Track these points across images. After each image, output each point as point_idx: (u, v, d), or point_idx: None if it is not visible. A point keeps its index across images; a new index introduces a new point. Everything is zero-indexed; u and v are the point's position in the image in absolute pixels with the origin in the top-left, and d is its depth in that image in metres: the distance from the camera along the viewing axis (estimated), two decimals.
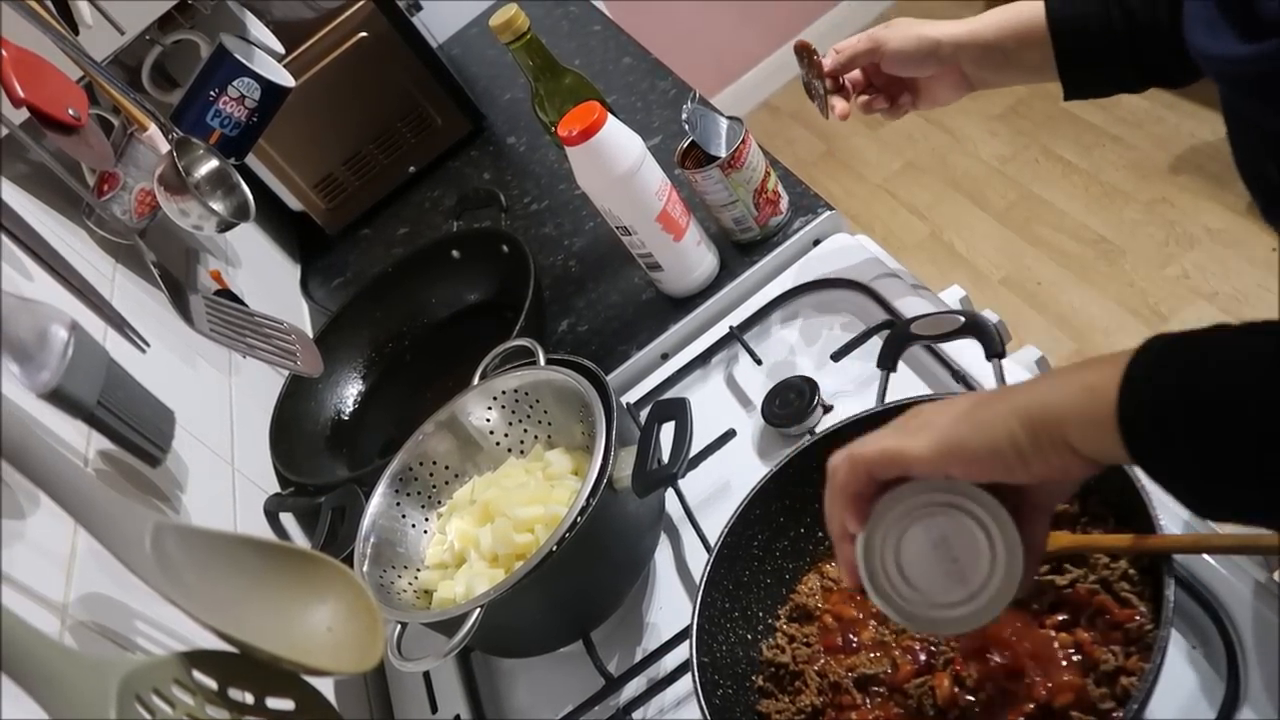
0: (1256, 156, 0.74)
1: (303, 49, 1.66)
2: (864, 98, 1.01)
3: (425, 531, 1.05)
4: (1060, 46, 0.88)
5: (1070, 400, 0.55)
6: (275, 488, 1.22)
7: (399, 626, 0.89)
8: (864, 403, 0.96)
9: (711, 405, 1.13)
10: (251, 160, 1.70)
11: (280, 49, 1.46)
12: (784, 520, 0.86)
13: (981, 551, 0.62)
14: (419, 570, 1.01)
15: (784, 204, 1.22)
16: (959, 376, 0.95)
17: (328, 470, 1.30)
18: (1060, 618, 0.70)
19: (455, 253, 1.45)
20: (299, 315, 1.73)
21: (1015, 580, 0.61)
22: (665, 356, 1.23)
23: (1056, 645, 0.69)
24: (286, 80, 1.37)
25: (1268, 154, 0.72)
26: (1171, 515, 0.77)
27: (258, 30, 1.43)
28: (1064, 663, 0.68)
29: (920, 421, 0.62)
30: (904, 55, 0.95)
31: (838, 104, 1.00)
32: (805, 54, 1.01)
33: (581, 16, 1.95)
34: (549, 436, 1.06)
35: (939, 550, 0.62)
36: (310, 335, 1.39)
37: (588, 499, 0.87)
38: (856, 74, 1.01)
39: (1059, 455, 0.56)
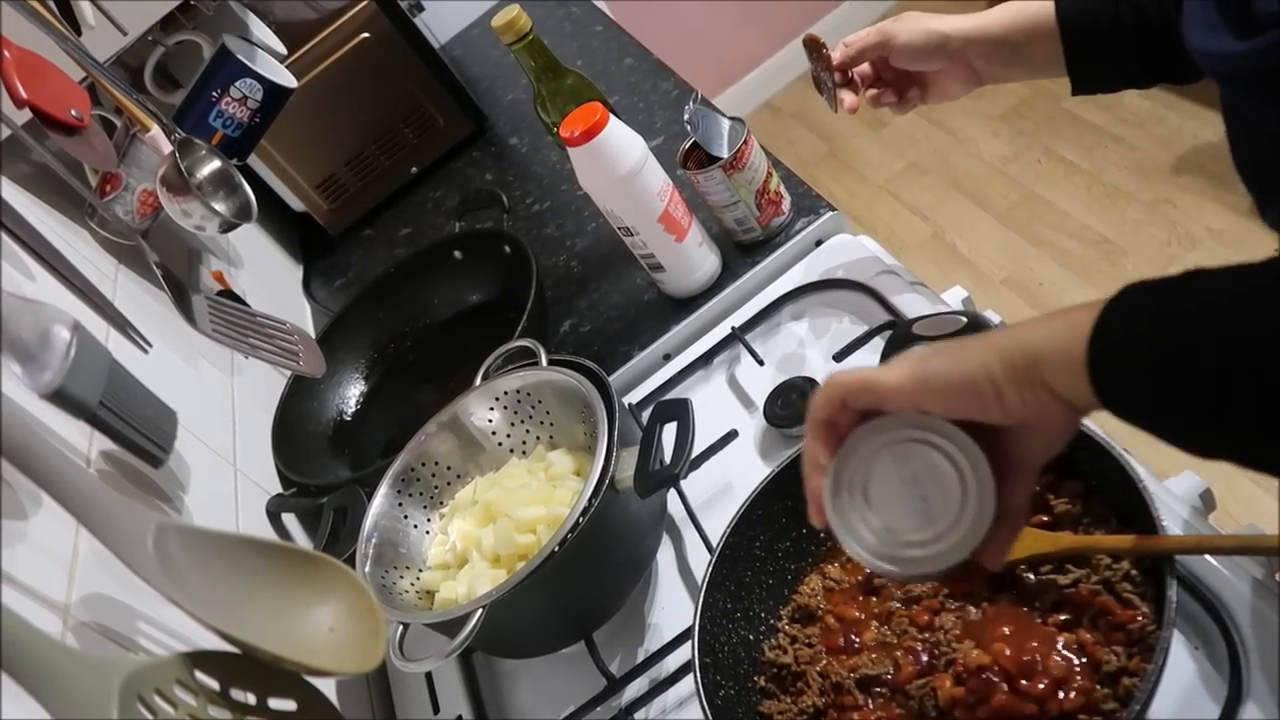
0: (1254, 154, 0.74)
1: (305, 50, 1.66)
2: (872, 91, 1.01)
3: (427, 532, 1.05)
4: (1069, 42, 0.88)
5: (1049, 338, 0.55)
6: (277, 488, 1.22)
7: (401, 627, 0.89)
8: None
9: (713, 406, 1.13)
10: (254, 161, 1.70)
11: (282, 50, 1.46)
12: (786, 521, 0.86)
13: (952, 490, 0.59)
14: (421, 571, 1.01)
15: (786, 205, 1.22)
16: None
17: (330, 471, 1.30)
18: (1062, 617, 0.70)
19: (457, 253, 1.45)
20: (301, 316, 1.73)
21: (986, 522, 0.59)
22: (667, 357, 1.23)
23: (1060, 643, 0.69)
24: (289, 81, 1.38)
25: (1265, 151, 0.72)
26: (1174, 516, 0.77)
27: (260, 31, 1.43)
28: (1075, 666, 0.68)
29: (903, 358, 0.62)
30: (913, 49, 0.95)
31: (846, 98, 1.00)
32: (814, 48, 1.01)
33: (583, 17, 1.95)
34: (551, 437, 1.06)
35: (909, 487, 0.60)
36: (312, 335, 1.39)
37: (590, 499, 0.87)
38: (865, 68, 1.01)
39: (1035, 393, 0.55)
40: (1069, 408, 0.55)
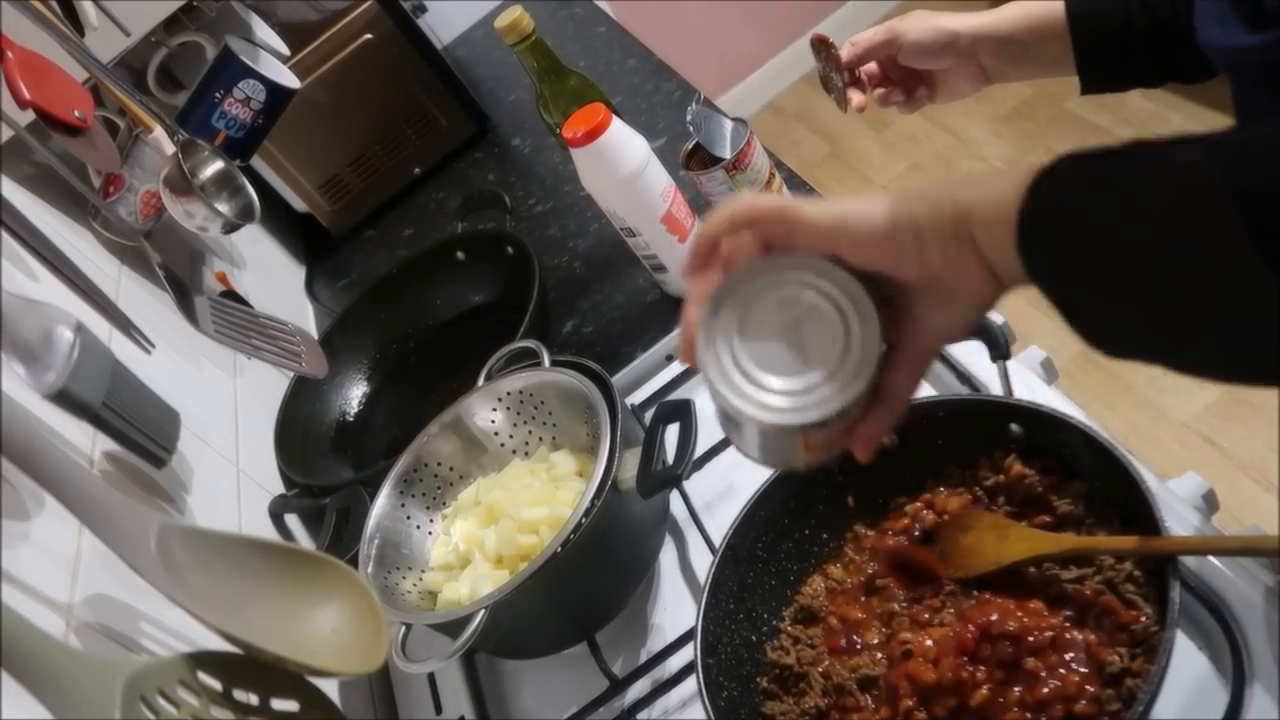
0: None
1: (308, 50, 1.66)
2: (880, 91, 1.01)
3: (430, 533, 1.05)
4: (1079, 41, 0.88)
5: (984, 194, 0.51)
6: (280, 489, 1.22)
7: (403, 628, 0.89)
8: None
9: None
10: (256, 162, 1.70)
11: (285, 51, 1.46)
12: (788, 522, 0.86)
13: (832, 345, 0.53)
14: (424, 571, 1.01)
15: None
16: (964, 378, 0.95)
17: (332, 471, 1.30)
18: (1066, 613, 0.70)
19: (460, 254, 1.45)
20: (304, 317, 1.73)
21: (858, 387, 0.53)
22: (670, 358, 1.22)
23: (1068, 637, 0.69)
24: (291, 82, 1.38)
25: None
26: (1176, 517, 0.77)
27: (263, 32, 1.43)
28: (1083, 669, 0.67)
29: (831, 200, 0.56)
30: (921, 47, 0.95)
31: (855, 97, 1.00)
32: (822, 47, 1.01)
33: (586, 18, 1.95)
34: (553, 438, 1.06)
35: (789, 333, 0.54)
36: (315, 337, 1.39)
37: (592, 500, 0.87)
38: (873, 67, 1.00)
39: (959, 250, 0.51)
40: (990, 275, 0.51)
